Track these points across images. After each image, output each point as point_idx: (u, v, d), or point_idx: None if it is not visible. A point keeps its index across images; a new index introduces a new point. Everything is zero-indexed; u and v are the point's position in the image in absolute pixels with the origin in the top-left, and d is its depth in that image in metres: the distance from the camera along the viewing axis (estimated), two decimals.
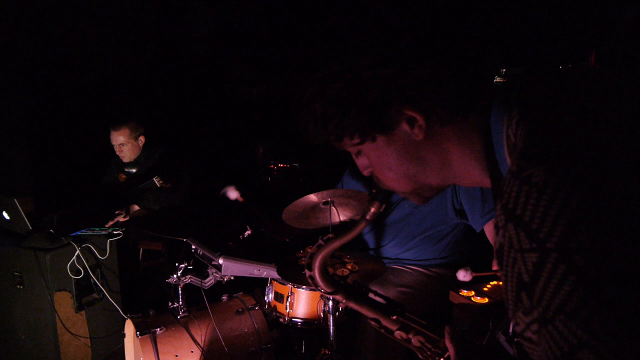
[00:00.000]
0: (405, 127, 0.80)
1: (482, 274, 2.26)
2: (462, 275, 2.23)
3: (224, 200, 3.04)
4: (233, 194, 2.84)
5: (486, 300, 2.01)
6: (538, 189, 0.59)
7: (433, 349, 1.18)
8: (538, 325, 0.60)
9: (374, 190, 1.07)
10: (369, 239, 2.73)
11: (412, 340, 1.19)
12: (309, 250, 2.26)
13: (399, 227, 2.61)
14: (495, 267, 2.29)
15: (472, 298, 2.03)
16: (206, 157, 4.21)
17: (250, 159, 4.12)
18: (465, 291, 2.06)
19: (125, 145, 3.64)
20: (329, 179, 3.14)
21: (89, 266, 2.99)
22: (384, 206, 1.09)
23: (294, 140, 4.39)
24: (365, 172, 0.94)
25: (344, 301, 1.26)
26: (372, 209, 1.09)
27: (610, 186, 0.57)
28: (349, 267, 2.06)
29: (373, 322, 1.24)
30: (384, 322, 1.22)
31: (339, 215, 2.23)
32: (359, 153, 0.89)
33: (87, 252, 3.01)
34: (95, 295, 3.09)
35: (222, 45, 4.54)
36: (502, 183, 0.66)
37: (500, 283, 2.11)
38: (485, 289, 2.13)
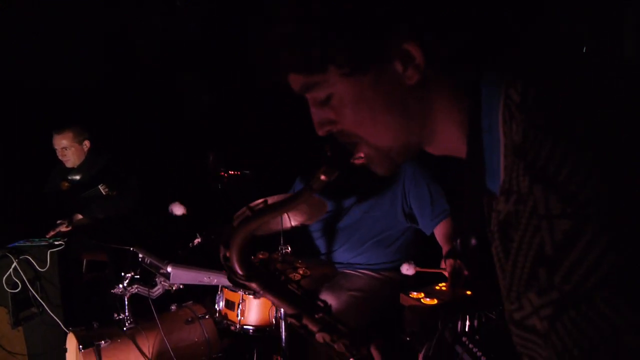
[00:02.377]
0: (397, 66, 0.69)
1: (427, 269, 2.32)
2: (406, 269, 2.29)
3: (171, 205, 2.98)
4: (179, 210, 2.78)
5: (435, 301, 2.06)
6: (582, 144, 0.50)
7: (357, 356, 1.04)
8: (554, 309, 0.52)
9: (328, 153, 0.87)
10: (320, 245, 2.74)
11: (336, 344, 1.05)
12: (260, 256, 2.25)
13: (350, 232, 2.63)
14: (443, 266, 2.34)
15: (422, 300, 2.07)
16: (154, 164, 4.11)
17: (201, 167, 4.06)
18: (415, 293, 2.09)
19: (68, 149, 3.50)
20: (280, 186, 3.14)
21: (27, 279, 2.83)
22: (336, 174, 0.87)
23: (245, 148, 4.36)
24: (324, 130, 0.78)
25: (260, 291, 1.04)
26: (322, 177, 0.87)
27: None
28: (301, 271, 2.05)
29: (292, 320, 1.07)
30: (305, 321, 1.06)
31: (290, 220, 2.22)
32: (326, 101, 0.74)
33: (25, 264, 2.85)
34: (33, 309, 2.92)
35: (171, 51, 4.46)
36: (521, 140, 0.57)
37: (444, 286, 2.18)
38: (436, 289, 2.18)
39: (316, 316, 1.05)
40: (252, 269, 1.02)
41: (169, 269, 2.12)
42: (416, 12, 0.66)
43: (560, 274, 0.51)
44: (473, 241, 0.83)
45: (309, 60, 0.69)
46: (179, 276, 2.14)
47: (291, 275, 2.05)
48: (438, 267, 2.34)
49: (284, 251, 2.15)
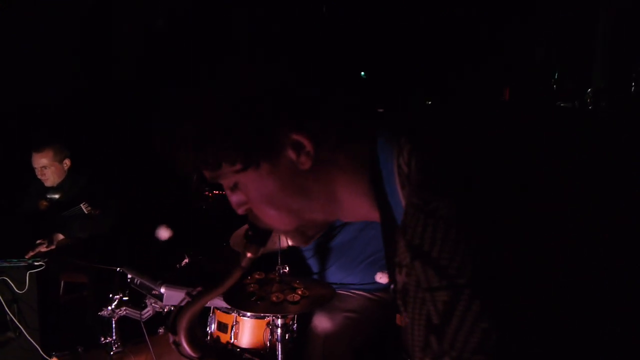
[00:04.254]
0: (290, 154, 0.72)
1: None
2: (379, 277, 2.29)
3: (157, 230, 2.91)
4: (165, 233, 2.72)
5: None
6: (445, 222, 0.55)
7: None
8: None
9: (250, 232, 0.94)
10: (312, 263, 2.71)
11: None
12: (257, 276, 2.20)
13: (343, 251, 2.61)
14: None
15: None
16: (137, 183, 4.03)
17: (184, 186, 3.99)
18: None
19: (48, 168, 3.40)
20: None
21: (4, 301, 2.71)
22: (261, 250, 0.96)
23: None
24: (240, 210, 0.82)
25: None
26: (249, 254, 0.95)
27: (520, 217, 0.55)
28: (299, 292, 2.02)
29: None
30: None
31: (288, 240, 2.19)
32: (235, 187, 0.78)
33: (2, 285, 2.73)
34: (10, 334, 2.79)
35: (149, 68, 4.42)
36: (403, 216, 0.61)
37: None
38: None
39: None
40: (204, 348, 1.08)
41: (162, 290, 2.06)
42: (296, 105, 0.70)
43: (447, 341, 0.54)
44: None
45: (203, 160, 0.73)
46: (172, 297, 2.07)
47: (289, 297, 2.02)
48: None
49: (281, 271, 2.12)
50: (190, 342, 1.05)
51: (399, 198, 0.69)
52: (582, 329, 0.54)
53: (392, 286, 0.73)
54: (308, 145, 0.71)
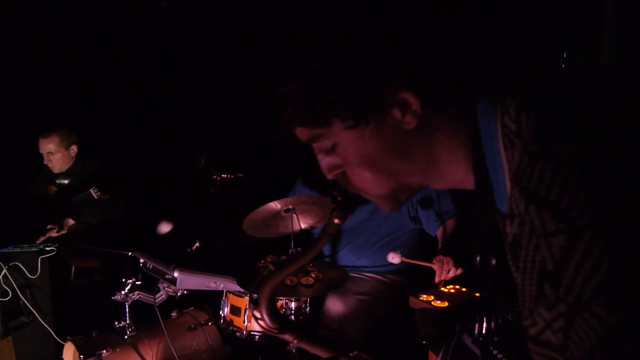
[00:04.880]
0: (396, 113, 0.73)
1: (414, 261, 2.32)
2: (391, 257, 2.30)
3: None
4: (166, 227, 2.71)
5: (446, 304, 2.05)
6: (568, 165, 0.55)
7: None
8: (564, 320, 0.54)
9: (338, 198, 0.93)
10: (324, 246, 2.70)
11: None
12: (269, 260, 2.19)
13: (355, 234, 2.60)
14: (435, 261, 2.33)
15: (432, 302, 2.05)
16: (145, 168, 4.01)
17: (192, 170, 3.98)
18: (424, 296, 2.08)
19: (54, 154, 3.37)
20: (275, 189, 3.09)
21: (17, 286, 2.71)
22: (348, 217, 0.96)
23: (238, 150, 4.29)
24: (332, 174, 0.83)
25: (295, 342, 1.10)
26: (336, 221, 0.95)
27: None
28: (313, 275, 2.01)
29: None
30: None
31: (300, 222, 2.18)
32: (332, 149, 0.78)
33: (15, 270, 2.73)
34: (23, 318, 2.79)
35: (156, 52, 4.38)
36: (516, 167, 0.62)
37: (453, 289, 2.17)
38: (444, 291, 2.17)
39: (351, 355, 1.12)
40: (283, 321, 1.09)
41: (176, 274, 2.06)
42: (408, 61, 0.71)
43: (563, 287, 0.54)
44: (493, 261, 0.88)
45: (314, 116, 0.74)
46: (185, 281, 2.07)
47: (303, 280, 2.01)
48: (426, 260, 2.34)
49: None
50: (271, 315, 1.05)
51: (501, 160, 0.69)
52: None
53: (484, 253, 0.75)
54: (415, 104, 0.72)
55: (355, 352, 1.12)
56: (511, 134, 0.66)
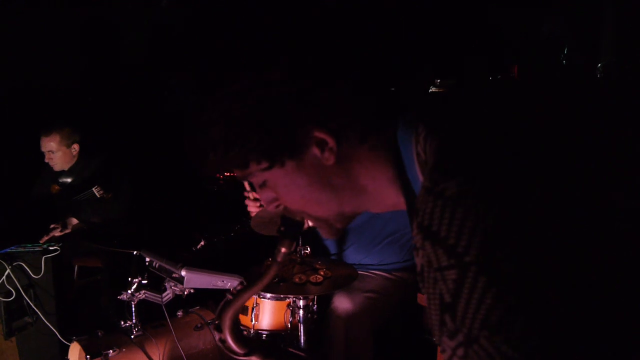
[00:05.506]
0: (315, 151, 0.75)
1: None
2: None
3: (171, 212, 2.89)
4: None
5: None
6: (452, 202, 0.56)
7: None
8: (464, 349, 0.57)
9: (282, 228, 0.98)
10: (330, 244, 2.69)
11: None
12: (268, 263, 2.17)
13: (361, 232, 2.59)
14: None
15: None
16: (148, 166, 4.00)
17: (196, 169, 3.96)
18: None
19: (55, 152, 3.35)
20: None
21: (20, 286, 2.70)
22: (294, 245, 1.01)
23: None
24: (271, 207, 0.86)
25: None
26: (283, 250, 0.99)
27: (523, 196, 0.56)
28: (322, 273, 2.00)
29: None
30: None
31: (308, 221, 2.16)
32: (263, 184, 0.82)
33: (18, 270, 2.71)
34: (27, 318, 2.78)
35: (157, 50, 4.35)
36: (416, 201, 0.63)
37: None
38: None
39: None
40: (248, 344, 1.12)
41: (183, 273, 2.04)
42: (319, 106, 0.73)
43: (458, 319, 0.56)
44: None
45: (231, 160, 0.77)
46: (193, 280, 2.05)
47: (312, 278, 1.99)
48: None
49: (302, 252, 2.09)
50: (236, 340, 1.09)
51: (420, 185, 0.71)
52: (580, 306, 0.54)
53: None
54: (330, 142, 0.74)
55: None
56: (422, 163, 0.70)
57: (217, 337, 1.11)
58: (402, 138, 0.74)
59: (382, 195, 0.80)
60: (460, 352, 0.57)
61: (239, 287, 1.09)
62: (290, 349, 1.14)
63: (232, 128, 0.73)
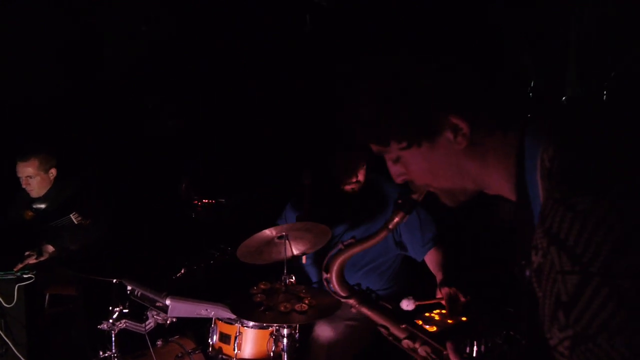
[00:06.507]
0: (449, 134, 0.85)
1: (425, 302, 2.34)
2: (406, 305, 2.28)
3: (150, 238, 2.86)
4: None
5: (435, 328, 2.08)
6: (584, 217, 0.64)
7: None
8: (571, 342, 0.66)
9: (399, 201, 1.13)
10: (311, 272, 2.71)
11: (419, 350, 1.24)
12: (262, 286, 2.19)
13: None
14: (439, 295, 2.38)
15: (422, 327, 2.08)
16: (125, 192, 3.95)
17: (174, 195, 3.93)
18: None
19: (33, 178, 3.26)
20: (258, 215, 3.10)
21: None
22: (407, 217, 1.14)
23: (219, 176, 4.28)
24: (399, 179, 0.98)
25: (356, 305, 1.33)
26: (396, 219, 1.14)
27: None
28: (307, 302, 2.02)
29: (382, 329, 1.31)
30: (393, 330, 1.29)
31: (293, 249, 2.20)
32: (397, 160, 0.93)
33: None
34: None
35: (137, 74, 4.34)
36: (542, 208, 0.72)
37: (437, 314, 2.21)
38: (431, 316, 2.21)
39: (402, 326, 1.28)
40: (349, 288, 1.34)
41: (168, 302, 2.03)
42: (460, 94, 0.83)
43: (573, 317, 0.65)
44: (527, 272, 0.94)
45: (375, 137, 0.90)
46: (177, 309, 2.05)
47: (297, 307, 2.01)
48: (434, 297, 2.36)
49: (287, 281, 2.12)
50: (339, 282, 1.31)
51: (538, 188, 0.79)
52: None
53: (522, 262, 0.85)
54: (465, 129, 0.83)
55: (404, 325, 1.27)
56: (545, 170, 0.76)
57: (324, 276, 1.30)
58: (530, 142, 0.81)
59: (498, 185, 0.89)
60: (567, 343, 0.66)
61: (351, 241, 1.26)
62: (381, 302, 1.34)
63: (379, 109, 0.84)
